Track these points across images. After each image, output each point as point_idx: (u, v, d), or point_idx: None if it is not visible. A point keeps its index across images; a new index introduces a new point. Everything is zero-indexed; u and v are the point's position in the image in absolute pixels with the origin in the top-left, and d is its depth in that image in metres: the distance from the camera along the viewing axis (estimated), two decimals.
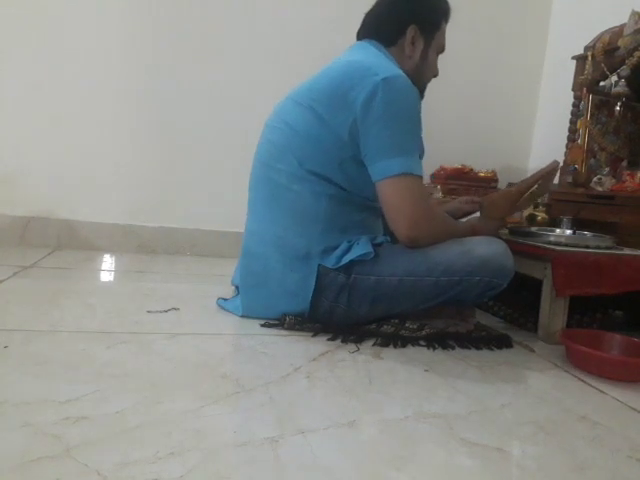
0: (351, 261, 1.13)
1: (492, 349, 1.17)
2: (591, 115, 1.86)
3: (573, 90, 1.93)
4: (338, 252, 1.14)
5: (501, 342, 1.19)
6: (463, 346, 1.16)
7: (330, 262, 1.13)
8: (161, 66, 2.06)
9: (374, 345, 1.11)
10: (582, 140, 1.87)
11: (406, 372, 0.97)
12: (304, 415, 0.75)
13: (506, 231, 1.47)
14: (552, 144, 2.12)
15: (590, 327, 1.34)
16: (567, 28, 2.35)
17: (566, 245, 1.28)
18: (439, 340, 1.15)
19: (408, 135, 1.10)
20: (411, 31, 1.21)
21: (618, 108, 1.84)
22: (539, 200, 1.61)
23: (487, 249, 1.14)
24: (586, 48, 1.86)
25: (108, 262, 1.87)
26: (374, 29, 1.24)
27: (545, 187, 1.29)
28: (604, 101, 1.87)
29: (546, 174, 1.23)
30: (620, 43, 1.67)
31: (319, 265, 1.14)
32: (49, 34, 1.94)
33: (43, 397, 0.72)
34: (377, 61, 1.14)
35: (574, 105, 1.92)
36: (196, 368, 0.89)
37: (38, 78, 1.95)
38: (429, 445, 0.70)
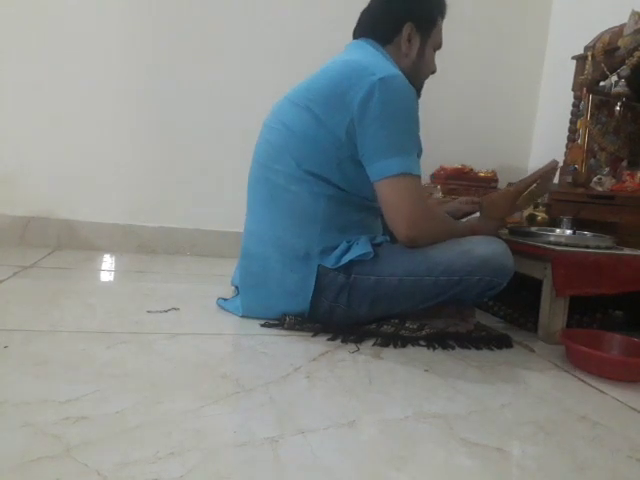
0: (351, 261, 1.13)
1: (492, 349, 1.17)
2: (591, 115, 1.86)
3: (573, 90, 1.93)
4: (337, 252, 1.14)
5: (501, 342, 1.19)
6: (463, 346, 1.16)
7: (330, 262, 1.13)
8: (161, 66, 2.06)
9: (374, 345, 1.11)
10: (582, 140, 1.87)
11: (406, 372, 0.97)
12: (304, 415, 0.75)
13: (506, 231, 1.47)
14: (552, 144, 2.12)
15: (590, 327, 1.34)
16: (567, 28, 2.35)
17: (566, 245, 1.28)
18: (439, 340, 1.15)
19: (406, 135, 1.10)
20: (407, 28, 1.21)
21: (618, 108, 1.84)
22: (539, 200, 1.61)
23: (487, 248, 1.13)
24: (586, 48, 1.86)
25: (108, 262, 1.87)
26: (370, 27, 1.24)
27: (544, 186, 1.29)
28: (604, 101, 1.87)
29: (545, 173, 1.23)
30: (620, 43, 1.67)
31: (319, 265, 1.14)
32: (49, 34, 1.94)
33: (43, 397, 0.72)
34: (374, 60, 1.14)
35: (574, 105, 1.92)
36: (196, 368, 0.89)
37: (38, 78, 1.95)
38: (429, 445, 0.70)
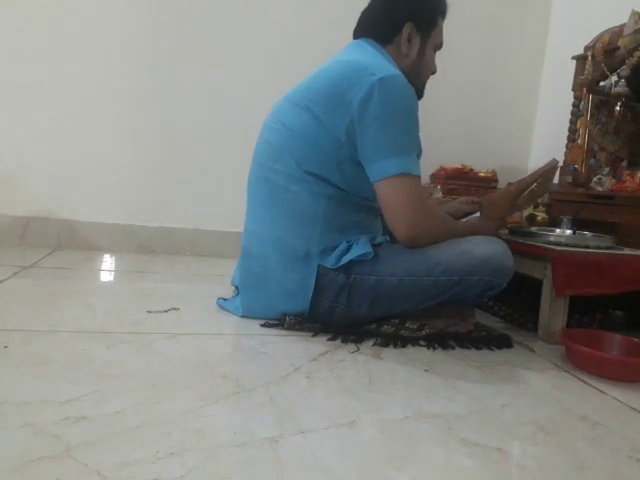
0: (351, 261, 1.13)
1: (492, 349, 1.17)
2: (591, 115, 1.86)
3: (573, 90, 1.93)
4: (337, 252, 1.14)
5: (501, 342, 1.19)
6: (463, 346, 1.16)
7: (330, 262, 1.13)
8: (161, 66, 2.06)
9: (374, 345, 1.11)
10: (582, 140, 1.87)
11: (406, 372, 0.97)
12: (304, 415, 0.75)
13: (506, 231, 1.47)
14: (552, 144, 2.12)
15: (590, 327, 1.34)
16: (567, 28, 2.35)
17: (566, 245, 1.28)
18: (439, 340, 1.15)
19: (405, 135, 1.10)
20: (407, 29, 1.21)
21: (618, 108, 1.84)
22: (539, 200, 1.61)
23: (487, 249, 1.13)
24: (586, 48, 1.86)
25: (108, 262, 1.87)
26: (370, 27, 1.24)
27: (545, 186, 1.29)
28: (604, 101, 1.87)
29: (545, 173, 1.23)
30: (620, 43, 1.67)
31: (319, 265, 1.14)
32: (49, 34, 1.94)
33: (43, 397, 0.72)
34: (374, 61, 1.14)
35: (574, 105, 1.92)
36: (196, 368, 0.89)
37: (38, 78, 1.95)
38: (429, 445, 0.70)
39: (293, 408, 0.77)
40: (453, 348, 1.14)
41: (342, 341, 1.11)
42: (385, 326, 1.18)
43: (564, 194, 1.79)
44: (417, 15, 1.22)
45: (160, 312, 1.20)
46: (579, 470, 0.67)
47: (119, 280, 1.69)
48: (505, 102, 2.48)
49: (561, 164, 1.83)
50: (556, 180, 1.75)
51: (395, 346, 1.11)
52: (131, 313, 1.18)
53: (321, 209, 1.14)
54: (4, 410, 0.68)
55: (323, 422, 0.73)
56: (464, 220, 1.34)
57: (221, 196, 2.15)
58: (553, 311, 1.25)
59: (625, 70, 1.68)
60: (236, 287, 1.33)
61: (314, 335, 1.13)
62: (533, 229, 1.45)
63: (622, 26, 1.69)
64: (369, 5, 1.27)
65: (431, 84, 1.33)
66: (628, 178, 1.66)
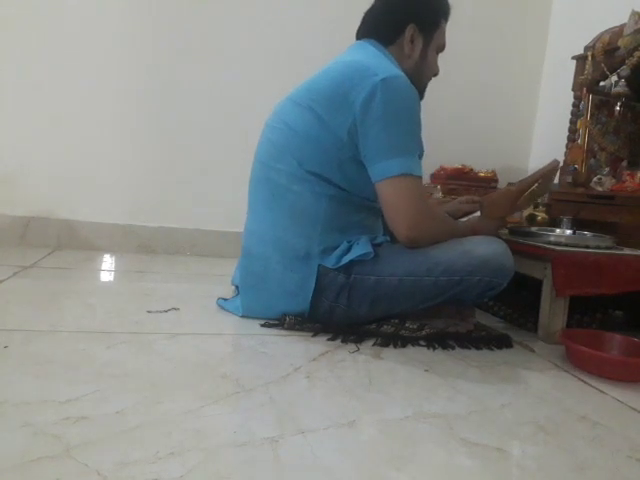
0: (351, 261, 1.13)
1: (492, 349, 1.17)
2: (591, 115, 1.86)
3: (573, 90, 1.93)
4: (338, 252, 1.14)
5: (501, 342, 1.19)
6: (463, 346, 1.16)
7: (330, 262, 1.13)
8: (161, 66, 2.06)
9: (374, 345, 1.11)
10: (582, 140, 1.87)
11: (406, 372, 0.97)
12: (304, 415, 0.75)
13: (506, 231, 1.47)
14: (552, 144, 2.12)
15: (590, 327, 1.34)
16: (567, 28, 2.35)
17: (566, 245, 1.28)
18: (439, 340, 1.15)
19: (407, 135, 1.10)
20: (410, 30, 1.21)
21: (618, 108, 1.84)
22: (539, 200, 1.61)
23: (487, 249, 1.13)
24: (586, 48, 1.86)
25: (108, 262, 1.87)
26: (373, 28, 1.24)
27: (545, 186, 1.29)
28: (604, 101, 1.87)
29: (546, 173, 1.23)
30: (620, 43, 1.67)
31: (319, 265, 1.14)
32: (49, 34, 1.94)
33: (43, 397, 0.72)
34: (376, 61, 1.14)
35: (574, 105, 1.92)
36: (196, 368, 0.89)
37: (38, 78, 1.95)
38: (429, 445, 0.70)
39: (293, 408, 0.77)
40: (453, 348, 1.14)
41: (342, 341, 1.11)
42: (385, 326, 1.18)
43: (564, 194, 1.79)
44: (420, 17, 1.22)
45: (160, 312, 1.20)
46: (579, 470, 0.67)
47: (119, 280, 1.69)
48: (505, 102, 2.48)
49: (561, 164, 1.83)
50: (556, 180, 1.75)
51: (395, 346, 1.11)
52: (131, 313, 1.18)
53: (322, 209, 1.14)
54: (4, 410, 0.68)
55: (323, 422, 0.73)
56: (464, 219, 1.34)
57: (221, 196, 2.15)
58: (553, 311, 1.25)
59: (625, 70, 1.68)
60: (236, 287, 1.33)
61: (314, 335, 1.13)
62: (533, 229, 1.45)
63: (622, 26, 1.69)
64: (372, 6, 1.27)
65: (431, 84, 1.33)
66: (628, 178, 1.66)
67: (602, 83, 1.87)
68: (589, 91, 1.86)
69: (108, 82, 2.01)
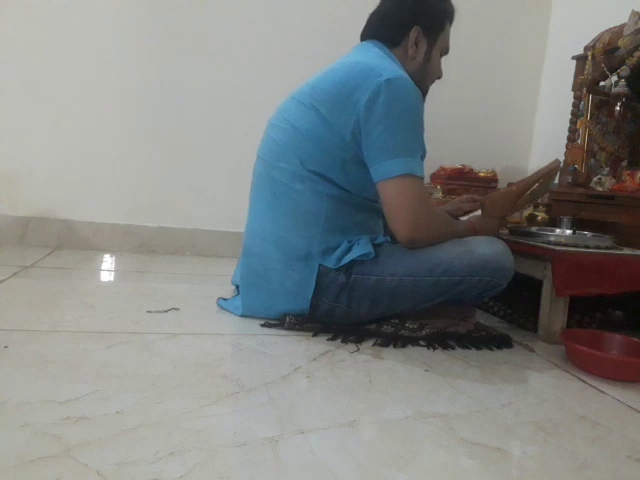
0: (352, 261, 1.13)
1: (492, 349, 1.17)
2: (591, 115, 1.86)
3: (573, 90, 1.93)
4: (338, 252, 1.14)
5: (501, 342, 1.19)
6: (463, 346, 1.16)
7: (331, 262, 1.14)
8: (161, 66, 2.06)
9: (374, 345, 1.11)
10: (582, 140, 1.87)
11: (406, 372, 0.97)
12: (304, 415, 0.75)
13: (506, 231, 1.47)
14: (552, 144, 2.12)
15: (590, 327, 1.34)
16: (567, 28, 2.35)
17: (566, 245, 1.28)
18: (439, 340, 1.15)
19: (410, 136, 1.10)
20: (414, 32, 1.21)
21: (618, 108, 1.84)
22: (539, 200, 1.61)
23: (487, 249, 1.14)
24: (586, 48, 1.86)
25: (108, 262, 1.87)
26: (378, 30, 1.24)
27: (546, 186, 1.29)
28: (604, 101, 1.87)
29: (547, 173, 1.23)
30: (620, 43, 1.67)
31: (320, 265, 1.14)
32: (49, 34, 1.94)
33: (43, 397, 0.72)
34: (381, 62, 1.14)
35: (574, 105, 1.92)
36: (196, 368, 0.89)
37: (38, 78, 1.95)
38: (429, 445, 0.70)
39: (293, 408, 0.77)
40: (453, 348, 1.14)
41: (342, 341, 1.11)
42: (385, 326, 1.18)
43: (564, 194, 1.79)
44: (425, 19, 1.22)
45: (160, 312, 1.20)
46: (579, 470, 0.67)
47: (119, 280, 1.69)
48: (505, 102, 2.48)
49: (561, 164, 1.83)
50: (556, 180, 1.75)
51: (395, 346, 1.11)
52: (131, 313, 1.18)
53: (324, 209, 1.14)
54: (4, 410, 0.68)
55: (323, 422, 0.73)
56: (465, 218, 1.34)
57: (221, 196, 2.15)
58: (553, 311, 1.25)
59: (625, 70, 1.68)
60: (236, 287, 1.33)
61: (314, 335, 1.14)
62: (533, 229, 1.45)
63: (622, 26, 1.69)
64: (377, 8, 1.27)
65: (432, 85, 1.33)
66: (628, 178, 1.66)
67: (602, 83, 1.87)
68: (589, 91, 1.86)
69: (108, 82, 2.01)
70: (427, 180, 2.14)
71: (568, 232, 1.42)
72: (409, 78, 1.12)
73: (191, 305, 1.30)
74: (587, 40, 1.87)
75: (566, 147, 1.93)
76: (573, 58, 1.94)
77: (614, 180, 1.71)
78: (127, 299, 1.33)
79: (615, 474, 0.67)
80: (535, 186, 1.22)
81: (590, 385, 1.00)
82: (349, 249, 1.14)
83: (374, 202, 1.17)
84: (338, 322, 1.17)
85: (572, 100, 1.93)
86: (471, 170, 2.15)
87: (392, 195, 1.10)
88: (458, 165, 2.14)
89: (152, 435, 0.65)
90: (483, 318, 1.42)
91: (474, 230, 1.21)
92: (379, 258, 1.14)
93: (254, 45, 2.13)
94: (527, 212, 1.65)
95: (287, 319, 1.16)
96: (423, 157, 1.16)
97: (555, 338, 1.23)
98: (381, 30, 1.24)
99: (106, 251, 2.03)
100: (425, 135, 1.16)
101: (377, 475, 0.61)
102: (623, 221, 1.53)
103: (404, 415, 0.78)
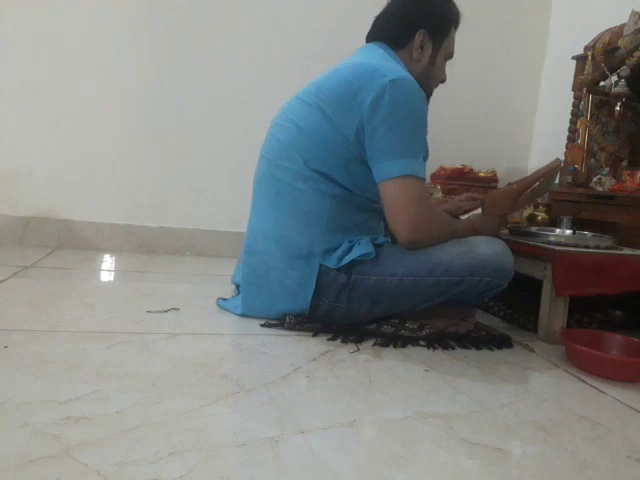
0: (352, 261, 1.13)
1: (492, 349, 1.17)
2: (591, 115, 1.86)
3: (573, 90, 1.93)
4: (339, 252, 1.14)
5: (501, 342, 1.19)
6: (463, 346, 1.16)
7: (331, 262, 1.14)
8: (161, 66, 2.06)
9: (374, 345, 1.11)
10: (582, 140, 1.87)
11: (406, 372, 0.97)
12: (304, 415, 0.75)
13: (506, 231, 1.47)
14: (552, 144, 2.12)
15: (590, 327, 1.34)
16: (567, 28, 2.35)
17: (566, 245, 1.28)
18: (439, 340, 1.15)
19: (413, 137, 1.11)
20: (420, 35, 1.22)
21: (618, 108, 1.83)
22: (539, 200, 1.61)
23: (488, 249, 1.14)
24: (586, 48, 1.86)
25: (108, 262, 1.87)
26: (384, 32, 1.25)
27: (547, 185, 1.29)
28: (604, 101, 1.87)
29: (548, 172, 1.23)
30: (620, 43, 1.67)
31: (320, 265, 1.14)
32: (49, 34, 1.94)
33: (43, 397, 0.72)
34: (385, 63, 1.15)
35: (574, 105, 1.92)
36: (196, 368, 0.89)
37: (38, 78, 1.95)
38: (429, 445, 0.70)
39: (293, 408, 0.77)
40: (453, 348, 1.14)
41: (342, 341, 1.11)
42: (385, 326, 1.18)
43: (564, 194, 1.79)
44: (431, 23, 1.23)
45: (160, 312, 1.20)
46: (579, 470, 0.67)
47: (119, 280, 1.69)
48: (505, 102, 2.48)
49: (562, 163, 1.83)
50: (556, 180, 1.75)
51: (395, 346, 1.11)
52: (131, 313, 1.18)
53: (326, 208, 1.14)
54: (4, 410, 0.68)
55: (323, 422, 0.73)
56: (465, 217, 1.34)
57: (221, 196, 2.15)
58: (553, 311, 1.25)
59: (625, 70, 1.68)
60: (236, 287, 1.33)
61: (314, 335, 1.14)
62: (533, 229, 1.45)
63: (622, 26, 1.69)
64: (384, 10, 1.28)
65: None
66: (628, 178, 1.66)
67: (602, 83, 1.87)
68: (589, 91, 1.85)
69: (108, 82, 2.01)
70: (427, 180, 2.14)
71: (568, 232, 1.42)
72: (413, 80, 1.12)
73: (191, 305, 1.30)
74: (587, 40, 1.87)
75: (566, 147, 1.93)
76: (573, 58, 1.94)
77: (614, 180, 1.71)
78: (127, 299, 1.33)
79: (615, 474, 0.67)
80: (536, 185, 1.22)
81: (590, 385, 1.00)
82: (350, 249, 1.14)
83: (376, 203, 1.17)
84: (338, 322, 1.17)
85: (572, 100, 1.93)
86: (471, 170, 2.15)
87: (393, 195, 1.10)
88: (458, 165, 2.14)
89: (152, 435, 0.65)
90: (483, 318, 1.42)
91: (474, 229, 1.21)
92: (379, 258, 1.14)
93: (254, 45, 2.13)
94: (527, 212, 1.65)
95: (287, 319, 1.16)
96: (426, 158, 1.17)
97: (555, 338, 1.23)
98: (387, 32, 1.24)
99: (106, 251, 2.03)
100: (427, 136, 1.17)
101: (377, 475, 0.61)
102: (623, 221, 1.53)
103: (404, 415, 0.78)
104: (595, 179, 1.74)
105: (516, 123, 2.51)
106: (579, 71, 1.89)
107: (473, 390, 0.91)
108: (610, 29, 1.78)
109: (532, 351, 1.19)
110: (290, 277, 1.15)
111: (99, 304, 1.25)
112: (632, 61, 1.63)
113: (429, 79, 1.27)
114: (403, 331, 1.17)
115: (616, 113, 1.85)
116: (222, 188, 2.15)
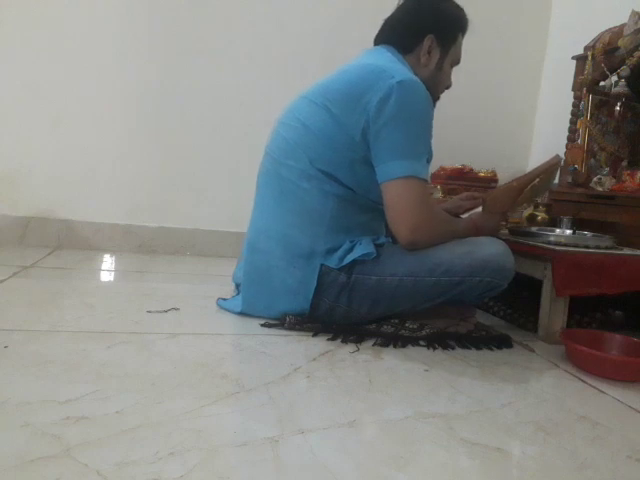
0: (353, 261, 1.13)
1: (492, 349, 1.17)
2: (591, 115, 1.86)
3: (573, 90, 1.93)
4: (340, 252, 1.14)
5: (501, 342, 1.19)
6: (463, 346, 1.16)
7: (333, 262, 1.14)
8: (161, 66, 2.06)
9: (374, 345, 1.11)
10: (582, 140, 1.87)
11: (406, 372, 0.97)
12: (304, 415, 0.75)
13: (506, 231, 1.47)
14: (552, 144, 2.12)
15: (590, 327, 1.34)
16: (567, 28, 2.35)
17: (566, 245, 1.28)
18: (439, 340, 1.15)
19: (418, 138, 1.11)
20: (428, 41, 1.22)
21: (618, 108, 1.84)
22: (539, 200, 1.61)
23: (488, 250, 1.14)
24: (586, 48, 1.86)
25: (108, 262, 1.87)
26: (392, 35, 1.25)
27: (547, 182, 1.29)
28: (604, 101, 1.87)
29: (548, 169, 1.23)
30: (620, 43, 1.67)
31: (322, 265, 1.14)
32: (49, 34, 1.94)
33: (43, 397, 0.72)
34: (393, 65, 1.15)
35: (574, 105, 1.92)
36: (196, 368, 0.89)
37: (38, 78, 1.95)
38: (429, 445, 0.70)
39: (293, 408, 0.77)
40: (453, 348, 1.14)
41: (342, 341, 1.11)
42: (385, 326, 1.18)
43: (564, 194, 1.79)
44: (439, 29, 1.23)
45: (160, 312, 1.20)
46: (579, 470, 0.67)
47: (119, 280, 1.69)
48: (505, 102, 2.48)
49: (562, 160, 1.83)
50: (556, 180, 1.74)
51: (395, 346, 1.11)
52: (131, 313, 1.18)
53: (329, 208, 1.14)
54: (4, 410, 0.68)
55: (323, 422, 0.73)
56: (465, 215, 1.34)
57: (221, 196, 2.15)
58: (553, 311, 1.25)
59: (625, 70, 1.68)
60: (237, 286, 1.33)
61: (314, 335, 1.14)
62: (533, 229, 1.45)
63: (622, 26, 1.69)
64: (393, 14, 1.28)
65: None
66: (628, 178, 1.66)
67: (602, 83, 1.87)
68: (589, 91, 1.86)
69: (108, 82, 2.01)
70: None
71: (568, 232, 1.42)
72: (421, 82, 1.12)
73: (191, 305, 1.30)
74: (587, 40, 1.87)
75: (566, 147, 1.93)
76: (573, 58, 1.94)
77: (614, 180, 1.71)
78: (127, 299, 1.33)
79: (615, 474, 0.67)
80: (536, 181, 1.22)
81: (590, 385, 1.00)
82: (351, 249, 1.15)
83: (379, 204, 1.17)
84: (338, 322, 1.17)
85: (572, 100, 1.93)
86: (471, 170, 2.15)
87: (394, 196, 1.10)
88: (458, 165, 2.14)
89: (152, 435, 0.65)
90: (483, 318, 1.42)
91: (476, 227, 1.22)
92: (380, 258, 1.14)
93: (254, 45, 2.13)
94: (527, 212, 1.65)
95: (287, 319, 1.16)
96: (429, 160, 1.17)
97: (555, 338, 1.23)
98: (395, 36, 1.25)
99: (106, 251, 2.03)
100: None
101: (377, 475, 0.61)
102: (623, 221, 1.53)
103: (404, 415, 0.78)
104: (595, 179, 1.74)
105: (516, 123, 2.51)
106: (579, 71, 1.89)
107: (473, 390, 0.91)
108: (610, 29, 1.78)
109: (532, 351, 1.19)
110: (291, 276, 1.15)
111: (99, 304, 1.25)
112: (632, 61, 1.63)
113: (435, 84, 1.27)
114: (403, 331, 1.17)
115: (616, 113, 1.85)
116: (222, 188, 2.15)
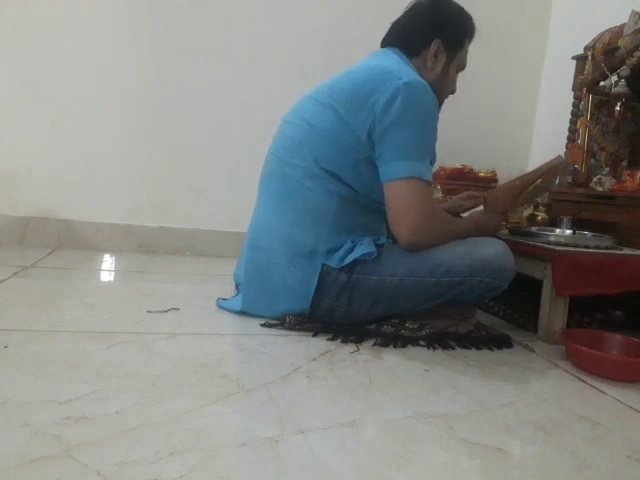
0: (354, 261, 1.13)
1: (492, 349, 1.17)
2: (591, 115, 1.86)
3: (573, 90, 1.93)
4: (341, 252, 1.14)
5: (501, 342, 1.19)
6: (463, 346, 1.16)
7: (334, 262, 1.14)
8: (161, 66, 2.06)
9: (374, 345, 1.11)
10: (582, 140, 1.87)
11: (406, 372, 0.97)
12: (304, 415, 0.75)
13: (506, 231, 1.47)
14: (552, 144, 2.12)
15: (590, 327, 1.34)
16: (567, 28, 2.35)
17: (566, 245, 1.28)
18: (439, 340, 1.15)
19: (423, 140, 1.11)
20: (435, 45, 1.23)
21: (618, 108, 1.83)
22: (539, 200, 1.61)
23: (488, 250, 1.14)
24: (586, 48, 1.86)
25: (108, 262, 1.87)
26: (399, 38, 1.26)
27: (549, 182, 1.29)
28: (604, 101, 1.87)
29: (551, 169, 1.23)
30: (620, 43, 1.67)
31: (323, 265, 1.14)
32: (49, 34, 1.94)
33: (43, 397, 0.72)
34: (399, 67, 1.15)
35: (574, 105, 1.92)
36: (196, 368, 0.89)
37: (38, 78, 1.95)
38: (429, 445, 0.70)
39: (293, 408, 0.77)
40: (453, 348, 1.14)
41: (342, 341, 1.11)
42: (385, 326, 1.18)
43: (564, 194, 1.79)
44: (447, 33, 1.24)
45: (160, 312, 1.20)
46: (579, 470, 0.67)
47: (119, 280, 1.69)
48: (505, 102, 2.48)
49: (564, 160, 1.83)
50: (557, 180, 1.74)
51: (395, 346, 1.11)
52: (131, 313, 1.18)
53: (332, 207, 1.14)
54: (4, 410, 0.68)
55: (323, 422, 0.73)
56: (466, 214, 1.34)
57: (221, 196, 2.15)
58: (553, 311, 1.25)
59: (625, 70, 1.68)
60: (237, 285, 1.33)
61: (314, 335, 1.14)
62: (533, 229, 1.45)
63: (622, 26, 1.69)
64: (401, 17, 1.29)
65: None
66: (628, 178, 1.66)
67: (602, 83, 1.87)
68: (589, 91, 1.85)
69: (108, 82, 2.01)
70: None
71: (568, 232, 1.42)
72: (427, 84, 1.13)
73: (191, 305, 1.30)
74: (587, 40, 1.87)
75: (566, 147, 1.93)
76: (573, 58, 1.94)
77: (614, 180, 1.71)
78: (127, 299, 1.33)
79: (615, 474, 0.67)
80: (538, 181, 1.22)
81: (590, 385, 1.00)
82: (352, 249, 1.15)
83: (382, 205, 1.17)
84: (338, 322, 1.17)
85: (572, 100, 1.93)
86: (471, 170, 2.14)
87: (396, 196, 1.10)
88: (458, 165, 2.13)
89: (152, 435, 0.65)
90: (483, 318, 1.42)
91: (477, 226, 1.22)
92: (380, 258, 1.14)
93: (254, 45, 2.13)
94: (527, 212, 1.65)
95: (287, 319, 1.16)
96: (433, 162, 1.17)
97: (555, 338, 1.23)
98: (402, 39, 1.25)
99: (106, 251, 2.03)
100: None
101: (377, 475, 0.61)
102: (623, 221, 1.53)
103: (404, 415, 0.78)
104: (595, 179, 1.74)
105: (516, 123, 2.51)
106: (579, 71, 1.89)
107: (473, 390, 0.91)
108: (610, 29, 1.78)
109: (532, 351, 1.19)
110: (292, 275, 1.15)
111: (99, 304, 1.25)
112: (632, 61, 1.63)
113: (440, 88, 1.27)
114: (403, 331, 1.17)
115: (616, 113, 1.85)
116: (222, 188, 2.15)
